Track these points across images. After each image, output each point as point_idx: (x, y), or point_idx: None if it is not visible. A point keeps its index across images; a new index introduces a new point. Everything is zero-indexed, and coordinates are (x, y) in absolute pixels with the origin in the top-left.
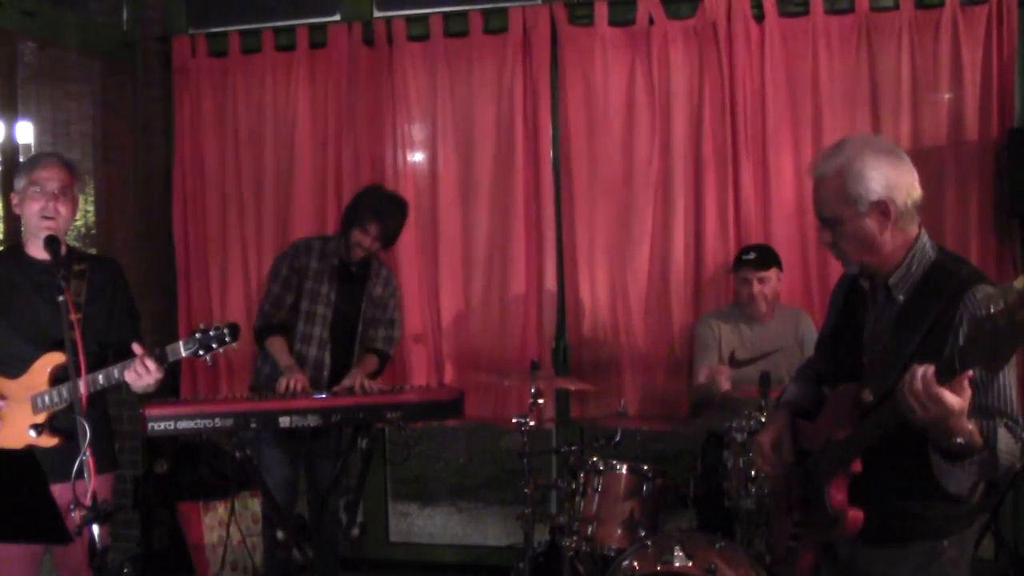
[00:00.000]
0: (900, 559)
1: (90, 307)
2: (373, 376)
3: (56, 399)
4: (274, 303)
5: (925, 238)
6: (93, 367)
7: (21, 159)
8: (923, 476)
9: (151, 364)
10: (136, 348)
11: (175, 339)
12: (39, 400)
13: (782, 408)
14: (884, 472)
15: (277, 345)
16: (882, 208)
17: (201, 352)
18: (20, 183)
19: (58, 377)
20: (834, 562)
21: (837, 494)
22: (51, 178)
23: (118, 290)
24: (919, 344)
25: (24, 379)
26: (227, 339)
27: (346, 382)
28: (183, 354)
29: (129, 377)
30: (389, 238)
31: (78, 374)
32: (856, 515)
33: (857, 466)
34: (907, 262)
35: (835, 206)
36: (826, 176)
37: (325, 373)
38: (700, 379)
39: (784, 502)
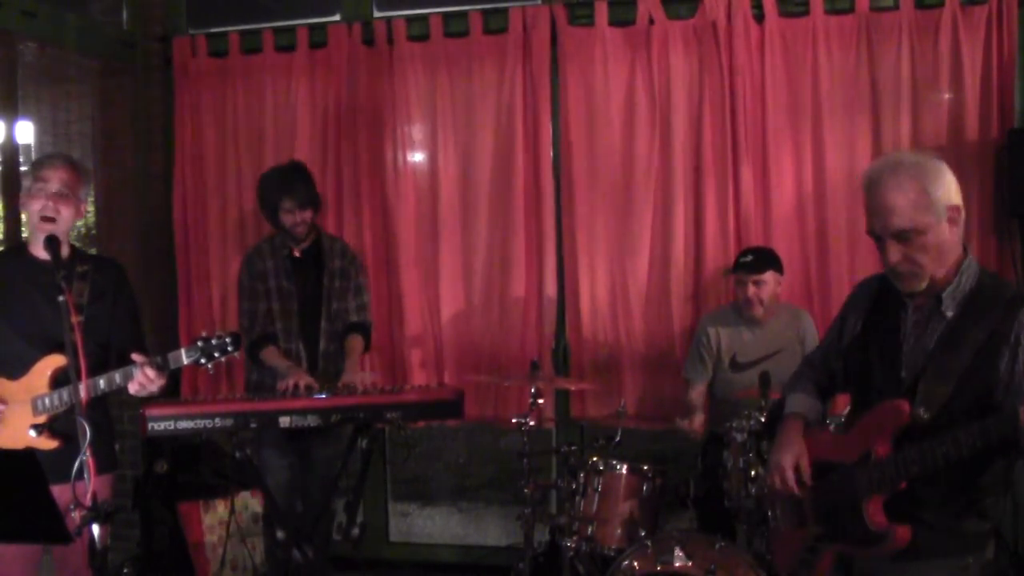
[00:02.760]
0: (924, 575)
1: (92, 309)
2: (365, 349)
3: (56, 402)
4: (249, 318)
5: (971, 254)
6: (94, 369)
7: (21, 159)
8: (962, 492)
9: (151, 373)
10: (137, 358)
11: (175, 339)
12: (40, 403)
13: (793, 422)
14: (921, 487)
15: (272, 354)
16: (954, 214)
17: (203, 360)
18: (27, 181)
19: (59, 379)
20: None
21: (876, 512)
22: (53, 178)
23: (120, 292)
24: (971, 361)
25: (25, 380)
26: (229, 348)
27: (346, 378)
28: (185, 362)
29: (132, 388)
30: (311, 199)
31: (78, 376)
32: (904, 532)
33: (903, 484)
34: (958, 277)
35: (918, 215)
36: (902, 187)
37: (303, 363)
38: (683, 424)
39: (794, 515)
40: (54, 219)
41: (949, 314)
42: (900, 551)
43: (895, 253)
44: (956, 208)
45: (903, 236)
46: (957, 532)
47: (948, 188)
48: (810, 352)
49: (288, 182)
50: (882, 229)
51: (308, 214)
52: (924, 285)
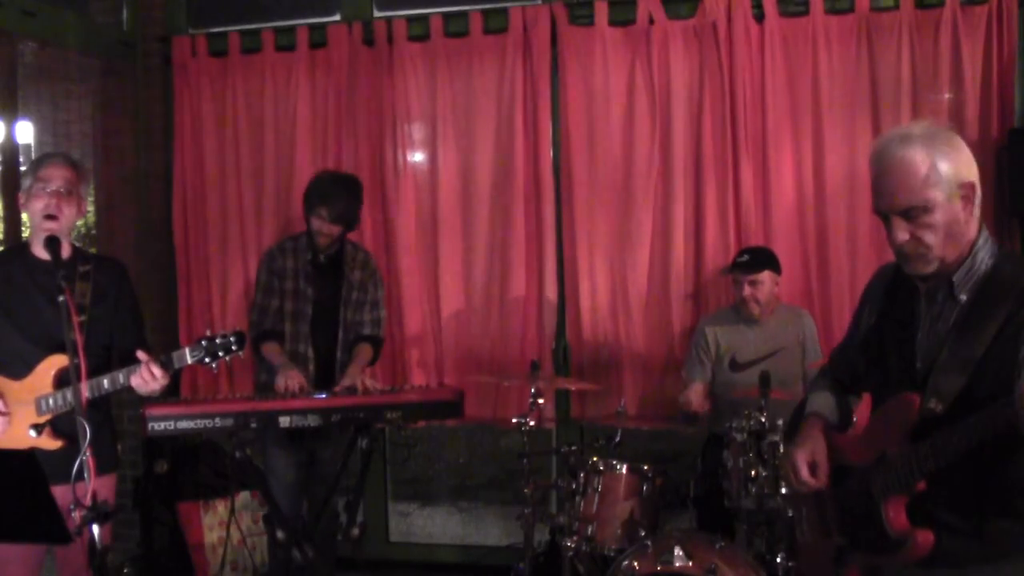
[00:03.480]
0: None
1: (94, 309)
2: (372, 361)
3: (60, 402)
4: (260, 312)
5: (986, 233)
6: (97, 369)
7: (21, 159)
8: (990, 494)
9: (156, 370)
10: (140, 355)
11: (175, 339)
12: (43, 403)
13: (813, 421)
14: (946, 490)
15: (271, 349)
16: (967, 191)
17: (207, 360)
18: (26, 181)
19: (62, 380)
20: None
21: (897, 515)
22: (55, 176)
23: (122, 292)
24: (988, 347)
25: (28, 381)
26: (233, 348)
27: (346, 381)
28: (189, 361)
29: (135, 383)
30: (345, 218)
31: (79, 376)
32: (926, 537)
33: (922, 484)
34: (971, 258)
35: (925, 191)
36: (909, 160)
37: (311, 368)
38: (680, 399)
39: (819, 525)
40: (57, 217)
41: (963, 298)
42: (927, 558)
43: (901, 232)
44: (970, 185)
45: (909, 214)
46: (987, 536)
47: (960, 163)
48: (834, 348)
49: (330, 192)
50: (888, 206)
51: (336, 229)
52: (933, 268)
